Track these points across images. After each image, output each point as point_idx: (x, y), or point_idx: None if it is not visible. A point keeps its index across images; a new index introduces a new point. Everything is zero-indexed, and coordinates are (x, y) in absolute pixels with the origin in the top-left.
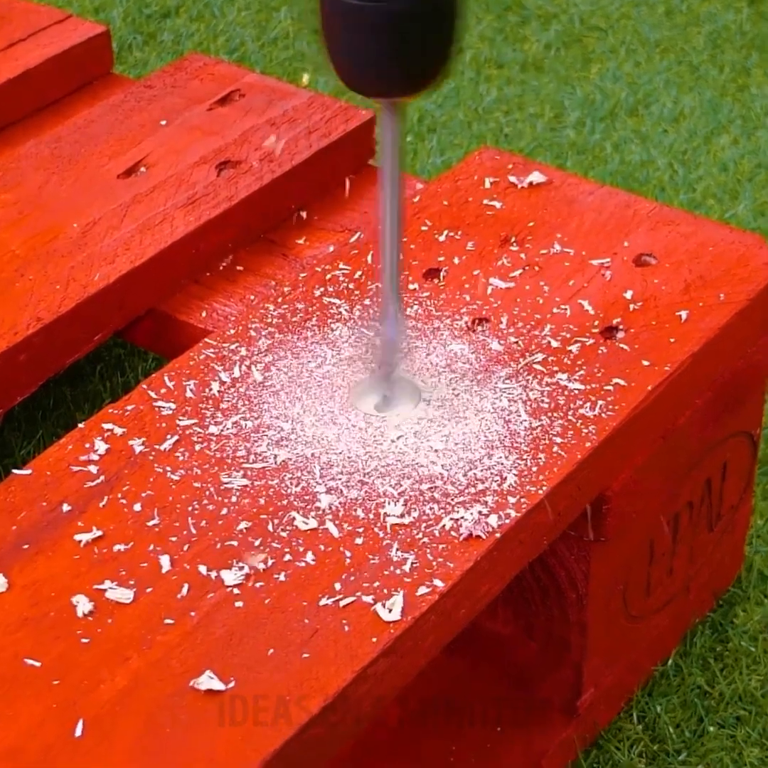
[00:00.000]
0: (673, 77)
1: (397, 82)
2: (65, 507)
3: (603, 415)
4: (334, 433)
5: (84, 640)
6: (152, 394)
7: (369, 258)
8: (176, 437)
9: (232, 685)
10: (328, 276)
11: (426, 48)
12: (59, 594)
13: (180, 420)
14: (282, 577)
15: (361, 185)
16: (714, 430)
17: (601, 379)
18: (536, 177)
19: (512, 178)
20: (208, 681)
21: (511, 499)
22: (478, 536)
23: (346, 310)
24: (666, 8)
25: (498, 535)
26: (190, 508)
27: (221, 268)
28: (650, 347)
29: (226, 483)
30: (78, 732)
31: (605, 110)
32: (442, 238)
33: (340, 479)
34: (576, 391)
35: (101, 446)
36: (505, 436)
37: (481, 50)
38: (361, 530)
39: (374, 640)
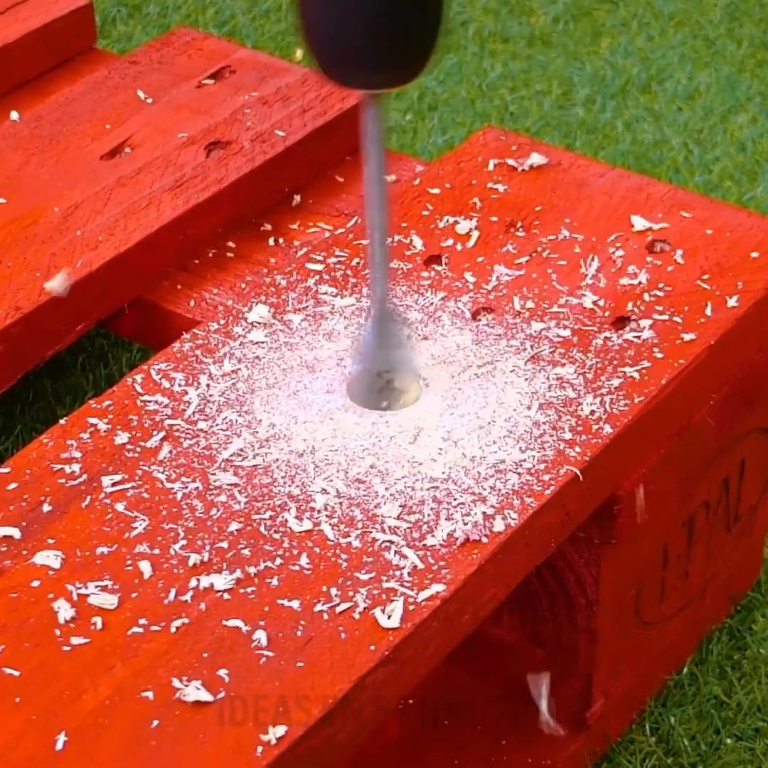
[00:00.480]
0: (688, 52)
1: (378, 71)
2: (45, 507)
3: (614, 410)
4: (329, 429)
5: (65, 648)
6: (137, 388)
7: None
8: (163, 433)
9: (221, 695)
10: (324, 263)
11: (412, 33)
12: (39, 599)
13: (167, 415)
14: (274, 582)
15: (358, 167)
16: (731, 426)
17: (612, 372)
18: (543, 158)
19: (518, 160)
20: (195, 691)
21: (516, 500)
22: (482, 538)
23: (342, 299)
24: None
25: (503, 537)
26: (177, 509)
27: (210, 254)
28: (664, 339)
29: (216, 482)
30: (59, 745)
31: (616, 87)
32: (443, 224)
33: (335, 478)
34: (585, 385)
35: (84, 443)
36: (510, 433)
37: (485, 23)
38: (358, 532)
39: (372, 647)
